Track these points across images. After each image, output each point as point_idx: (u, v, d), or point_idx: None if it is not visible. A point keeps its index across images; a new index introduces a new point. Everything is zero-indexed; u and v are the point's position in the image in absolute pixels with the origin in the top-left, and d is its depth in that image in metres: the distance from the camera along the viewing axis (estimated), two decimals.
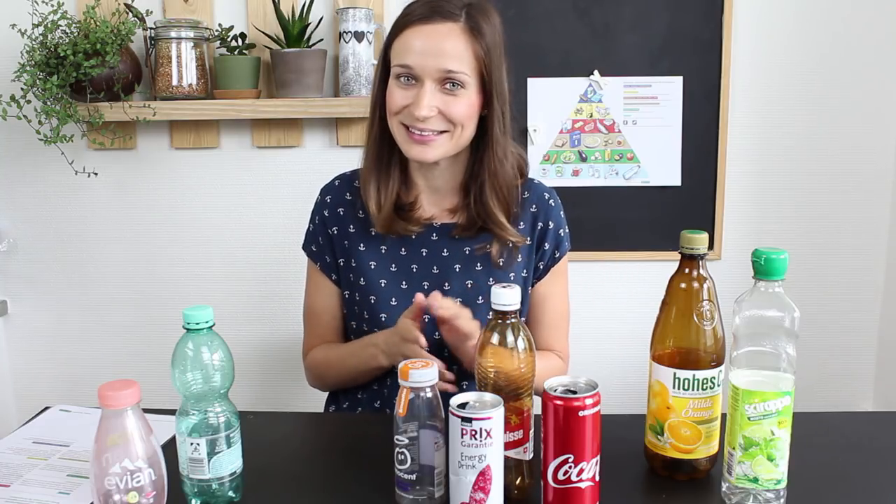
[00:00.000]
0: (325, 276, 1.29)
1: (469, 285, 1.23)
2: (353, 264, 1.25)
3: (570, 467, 0.80)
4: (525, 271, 1.26)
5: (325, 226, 1.27)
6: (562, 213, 1.29)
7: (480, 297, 1.22)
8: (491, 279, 1.23)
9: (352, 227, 1.26)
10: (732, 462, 0.86)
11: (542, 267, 1.28)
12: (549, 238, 1.27)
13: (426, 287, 1.22)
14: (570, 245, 1.30)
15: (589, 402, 0.80)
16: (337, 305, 1.30)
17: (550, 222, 1.27)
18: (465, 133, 1.16)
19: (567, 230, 1.30)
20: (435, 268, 1.23)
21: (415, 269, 1.23)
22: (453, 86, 1.13)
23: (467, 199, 1.22)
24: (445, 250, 1.23)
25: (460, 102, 1.13)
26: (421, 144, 1.14)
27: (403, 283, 1.23)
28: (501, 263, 1.22)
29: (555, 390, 0.81)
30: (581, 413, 0.79)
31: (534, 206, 1.27)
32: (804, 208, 1.97)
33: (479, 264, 1.23)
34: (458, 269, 1.23)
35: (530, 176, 1.29)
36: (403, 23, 1.14)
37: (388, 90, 1.16)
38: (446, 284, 1.22)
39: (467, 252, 1.23)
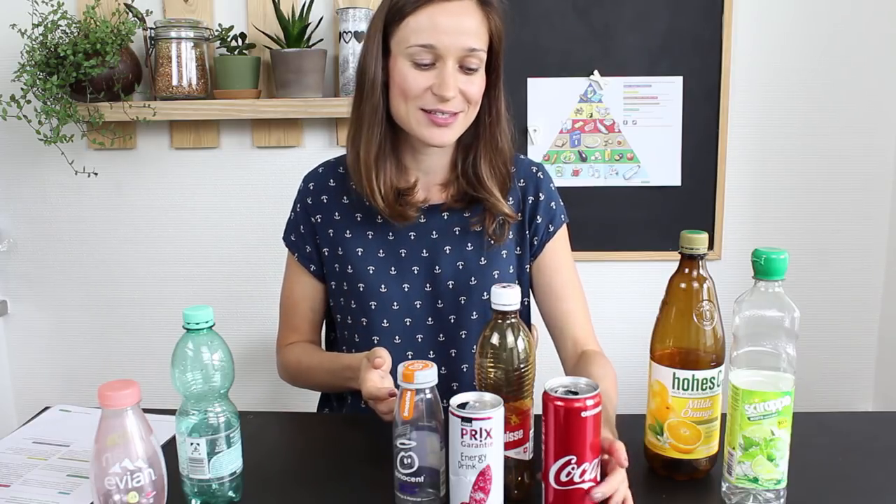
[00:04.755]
0: (303, 267, 1.25)
1: (460, 266, 1.20)
2: (340, 252, 1.21)
3: (572, 469, 0.80)
4: (518, 249, 1.23)
5: (307, 214, 1.24)
6: (552, 185, 1.25)
7: (473, 279, 1.20)
8: (482, 259, 1.20)
9: (336, 214, 1.23)
10: (732, 462, 0.86)
11: (536, 242, 1.23)
12: (541, 211, 1.22)
13: (416, 271, 1.20)
14: (566, 218, 1.26)
15: (590, 402, 0.79)
16: (314, 297, 1.27)
17: (541, 194, 1.23)
18: (474, 112, 1.14)
19: (561, 203, 1.26)
20: (424, 251, 1.20)
21: (404, 254, 1.20)
22: (471, 66, 1.10)
23: (455, 171, 1.20)
24: (435, 232, 1.20)
25: (476, 82, 1.12)
26: (442, 128, 1.11)
27: (392, 268, 1.20)
28: (494, 237, 1.19)
29: (555, 391, 0.81)
30: (583, 414, 0.79)
31: (521, 181, 1.23)
32: (804, 208, 1.97)
33: (469, 244, 1.20)
34: (448, 251, 1.20)
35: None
36: (414, 1, 1.09)
37: (401, 73, 1.10)
38: (437, 268, 1.20)
39: (457, 232, 1.20)
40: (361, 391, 1.01)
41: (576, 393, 0.81)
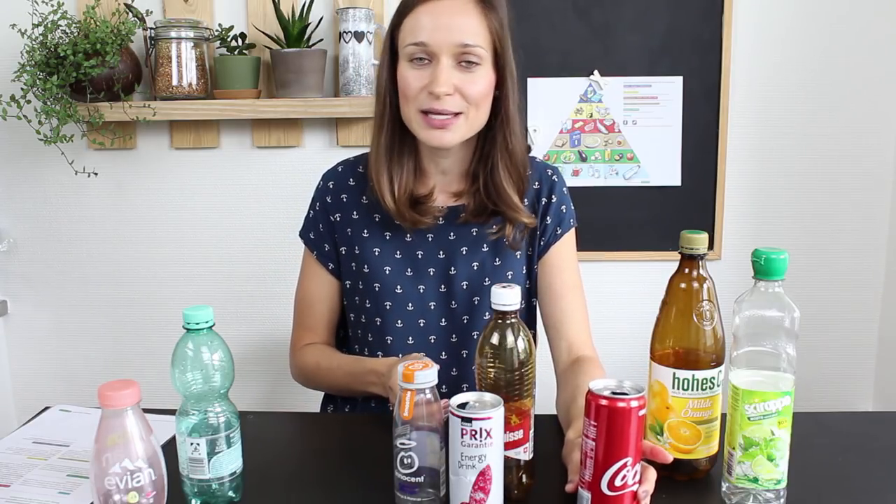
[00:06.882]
0: (322, 265, 1.26)
1: (475, 267, 1.20)
2: (357, 251, 1.22)
3: (627, 471, 0.79)
4: (530, 249, 1.24)
5: (326, 212, 1.24)
6: (565, 189, 1.26)
7: (487, 279, 1.20)
8: (497, 259, 1.21)
9: (355, 213, 1.23)
10: (732, 462, 0.86)
11: (542, 243, 1.24)
12: (552, 213, 1.23)
13: (432, 273, 1.20)
14: (575, 222, 1.26)
15: (644, 402, 0.79)
16: (331, 297, 1.27)
17: (553, 196, 1.23)
18: (480, 114, 1.13)
19: (572, 207, 1.26)
20: (441, 252, 1.21)
21: (420, 255, 1.21)
22: (469, 63, 1.09)
23: (475, 184, 1.19)
24: (452, 234, 1.21)
25: (478, 81, 1.10)
26: (439, 129, 1.10)
27: (409, 269, 1.21)
28: (513, 245, 1.19)
29: (602, 393, 0.79)
30: (641, 413, 0.78)
31: (536, 183, 1.24)
32: (804, 208, 1.97)
33: (484, 245, 1.21)
34: (464, 252, 1.20)
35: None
36: (412, 1, 1.11)
37: (401, 75, 1.11)
38: (452, 269, 1.20)
39: (474, 233, 1.21)
40: (390, 399, 1.02)
41: (625, 394, 0.80)
